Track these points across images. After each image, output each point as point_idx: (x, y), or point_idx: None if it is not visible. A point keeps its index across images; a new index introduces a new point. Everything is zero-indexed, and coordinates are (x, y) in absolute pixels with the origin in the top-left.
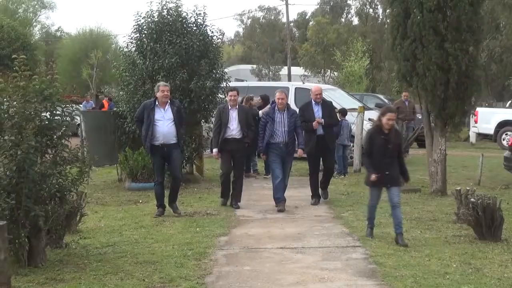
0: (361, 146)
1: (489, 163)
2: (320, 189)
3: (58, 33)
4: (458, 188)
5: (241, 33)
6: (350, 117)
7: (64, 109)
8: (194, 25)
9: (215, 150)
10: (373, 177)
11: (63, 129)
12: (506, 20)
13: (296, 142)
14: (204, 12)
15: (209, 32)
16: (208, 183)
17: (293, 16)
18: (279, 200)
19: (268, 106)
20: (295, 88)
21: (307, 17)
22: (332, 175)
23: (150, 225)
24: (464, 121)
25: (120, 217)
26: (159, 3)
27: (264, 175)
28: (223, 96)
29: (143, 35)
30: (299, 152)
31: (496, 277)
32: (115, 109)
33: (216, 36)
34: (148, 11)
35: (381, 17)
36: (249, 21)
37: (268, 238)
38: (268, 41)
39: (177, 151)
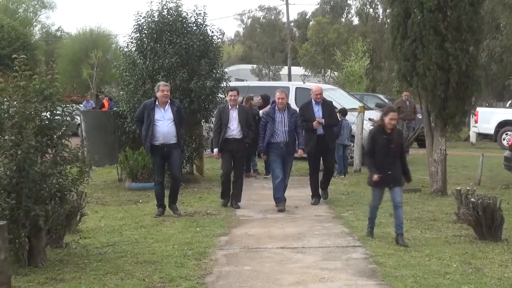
0: (361, 146)
1: (489, 163)
2: (320, 189)
3: (58, 33)
4: (458, 188)
5: (241, 33)
6: (351, 117)
7: (64, 109)
8: (194, 25)
9: (215, 150)
10: (375, 177)
11: (63, 129)
12: (506, 20)
13: (297, 142)
14: (204, 12)
15: (209, 32)
16: (208, 183)
17: (293, 16)
18: (279, 200)
19: (269, 106)
20: (296, 88)
21: (307, 17)
22: (332, 175)
23: (150, 225)
24: (464, 121)
25: (120, 217)
26: (159, 3)
27: (264, 175)
28: (223, 96)
29: (143, 35)
30: (299, 153)
31: (497, 277)
32: (115, 109)
33: (216, 36)
34: (148, 11)
35: (381, 17)
36: (249, 21)
37: (268, 238)
38: (268, 41)
39: (177, 151)
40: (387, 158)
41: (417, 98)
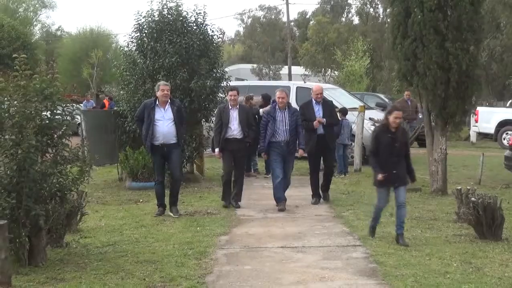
0: (361, 145)
1: (490, 162)
2: (321, 192)
3: (59, 32)
4: (459, 187)
5: (242, 32)
6: (351, 116)
7: (65, 108)
8: (195, 24)
9: (217, 150)
10: (380, 176)
11: (64, 128)
12: (506, 20)
13: (297, 142)
14: (204, 11)
15: (209, 31)
16: (208, 182)
17: (293, 15)
18: (280, 199)
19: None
20: (297, 88)
21: (307, 16)
22: (332, 175)
23: (150, 224)
24: (465, 120)
25: (121, 216)
26: (160, 2)
27: (265, 174)
28: (224, 95)
29: (144, 34)
30: (300, 152)
31: (497, 276)
32: (115, 108)
33: (217, 35)
34: (148, 11)
35: (381, 16)
36: (249, 20)
37: (268, 237)
38: (268, 40)
39: (177, 151)
40: (392, 157)
41: (417, 98)
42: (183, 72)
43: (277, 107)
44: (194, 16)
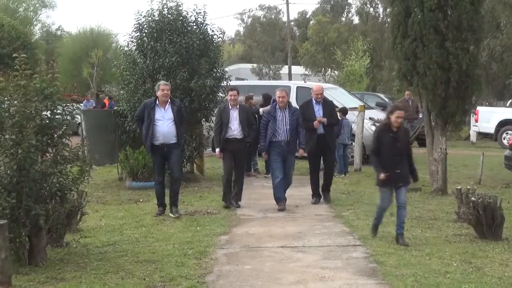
0: (361, 145)
1: (490, 162)
2: (322, 193)
3: (59, 32)
4: (459, 187)
5: (242, 32)
6: (351, 116)
7: (65, 108)
8: (195, 24)
9: (217, 150)
10: (383, 175)
11: (64, 128)
12: (506, 19)
13: (298, 141)
14: (204, 11)
15: (209, 31)
16: (208, 182)
17: (293, 15)
18: (280, 199)
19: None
20: (297, 87)
21: (307, 16)
22: (332, 175)
23: (150, 224)
24: (465, 120)
25: (121, 216)
26: (160, 2)
27: (265, 174)
28: (224, 95)
29: (144, 34)
30: (300, 152)
31: (497, 276)
32: (115, 108)
33: (217, 35)
34: (148, 10)
35: (381, 16)
36: (249, 20)
37: (268, 237)
38: (268, 40)
39: (177, 151)
40: (394, 157)
41: (417, 97)
42: (183, 72)
43: (277, 106)
44: (194, 15)
